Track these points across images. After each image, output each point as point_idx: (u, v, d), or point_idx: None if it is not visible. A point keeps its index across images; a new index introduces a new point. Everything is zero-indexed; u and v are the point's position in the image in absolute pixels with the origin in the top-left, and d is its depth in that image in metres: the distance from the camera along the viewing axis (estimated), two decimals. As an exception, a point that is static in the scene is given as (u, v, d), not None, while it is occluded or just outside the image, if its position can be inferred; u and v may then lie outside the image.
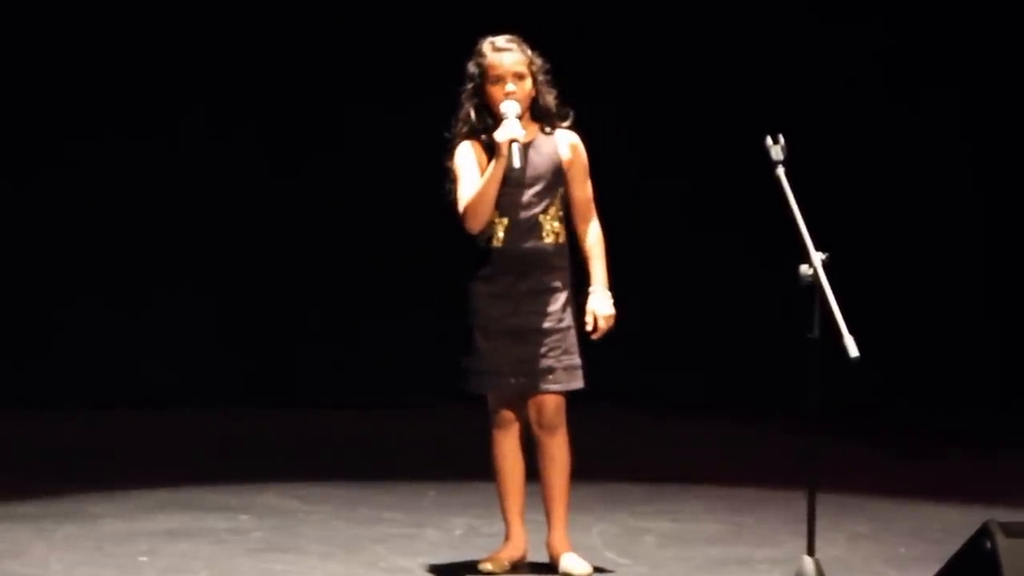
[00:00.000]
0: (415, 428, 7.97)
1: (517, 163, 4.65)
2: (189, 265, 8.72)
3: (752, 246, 8.59)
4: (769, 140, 4.37)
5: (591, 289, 4.82)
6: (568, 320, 4.79)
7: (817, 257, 4.15)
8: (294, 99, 8.78)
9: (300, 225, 8.83)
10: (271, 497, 6.09)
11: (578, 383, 4.79)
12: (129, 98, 8.62)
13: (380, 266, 8.79)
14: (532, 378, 4.74)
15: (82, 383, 8.41)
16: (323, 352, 8.87)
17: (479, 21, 5.04)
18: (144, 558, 5.04)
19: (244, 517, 5.71)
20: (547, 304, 4.76)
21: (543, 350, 4.74)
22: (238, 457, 7.12)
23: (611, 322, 4.78)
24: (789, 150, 4.35)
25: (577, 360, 4.79)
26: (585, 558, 4.86)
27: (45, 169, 8.62)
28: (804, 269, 4.15)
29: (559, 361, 4.76)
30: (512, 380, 4.75)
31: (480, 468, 5.03)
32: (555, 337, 4.76)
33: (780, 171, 4.33)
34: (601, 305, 4.78)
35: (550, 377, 4.75)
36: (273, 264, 8.85)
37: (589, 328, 4.78)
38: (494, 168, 4.68)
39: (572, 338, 4.79)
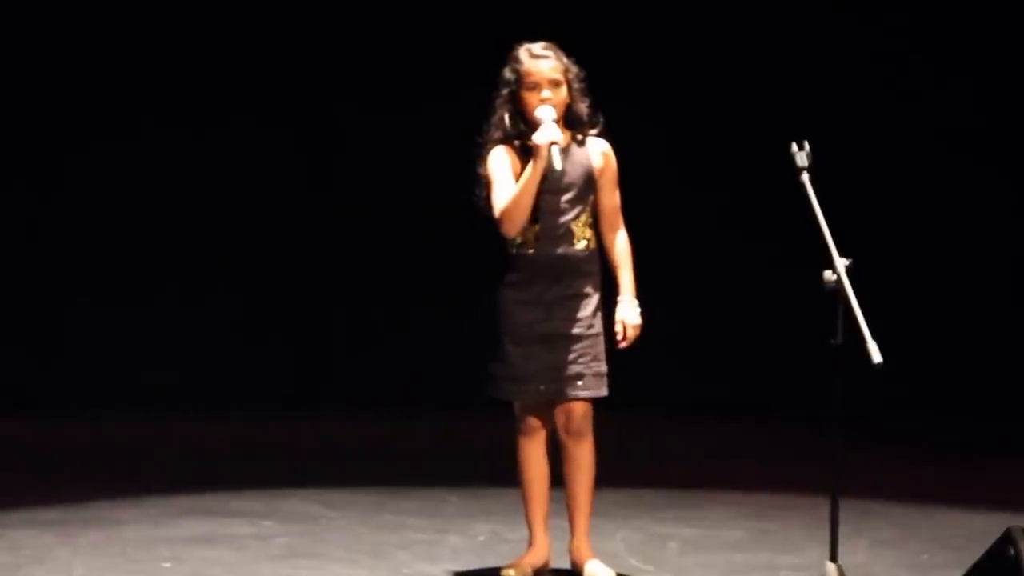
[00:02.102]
0: (437, 434, 7.98)
1: (558, 165, 4.61)
2: (214, 270, 8.75)
3: (776, 251, 8.58)
4: (794, 146, 4.36)
5: (619, 298, 4.80)
6: (598, 327, 4.77)
7: (841, 263, 4.14)
8: (319, 104, 8.81)
9: (326, 231, 8.85)
10: (295, 503, 6.10)
11: (604, 391, 4.78)
12: (151, 101, 8.66)
13: (403, 273, 8.81)
14: (561, 384, 4.73)
15: (106, 388, 8.45)
16: (347, 358, 8.90)
17: (507, 27, 5.04)
18: (168, 564, 5.05)
19: (268, 523, 5.72)
20: (578, 310, 4.75)
21: (573, 356, 4.73)
22: (262, 463, 7.13)
23: (639, 332, 4.78)
24: (814, 156, 4.34)
25: (604, 367, 4.78)
26: (608, 564, 4.86)
27: (69, 172, 8.67)
28: (828, 275, 4.15)
29: (588, 367, 4.74)
30: (542, 387, 4.73)
31: (502, 474, 5.03)
32: (585, 343, 4.74)
33: (805, 177, 4.32)
34: (629, 314, 4.77)
35: (579, 384, 4.73)
36: (298, 270, 8.87)
37: (619, 337, 4.76)
38: (532, 171, 4.65)
39: (601, 344, 4.78)
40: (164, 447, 7.54)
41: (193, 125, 8.69)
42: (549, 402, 4.78)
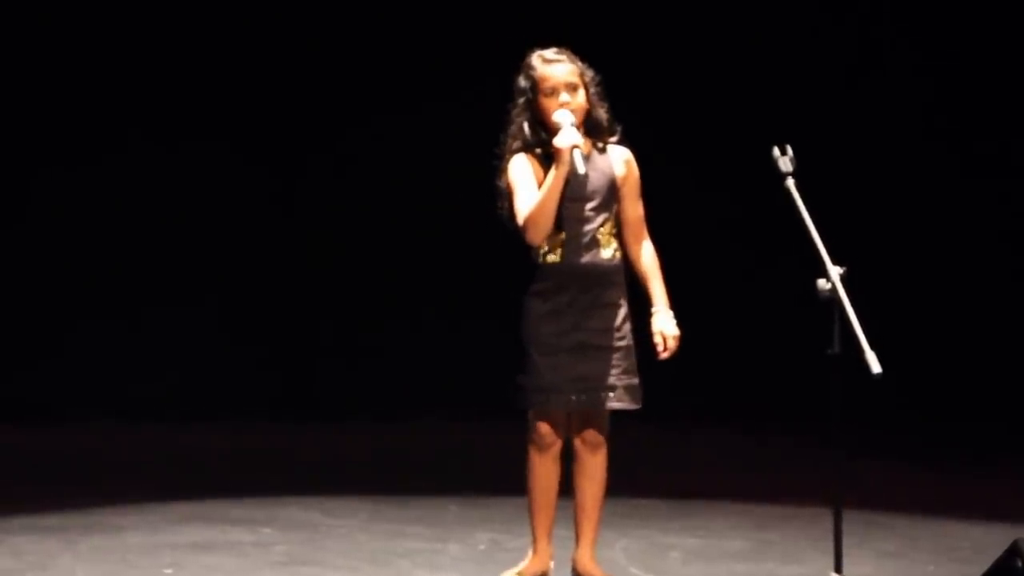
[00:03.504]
0: (437, 442, 7.96)
1: (581, 168, 4.54)
2: (214, 278, 8.73)
3: (774, 258, 8.56)
4: (776, 151, 4.29)
5: (654, 309, 4.73)
6: (629, 338, 4.72)
7: (835, 271, 4.08)
8: (304, 110, 8.80)
9: (328, 237, 8.84)
10: (295, 510, 6.08)
11: (637, 404, 4.71)
12: (133, 112, 8.65)
13: (402, 279, 8.79)
14: (592, 395, 4.66)
15: (107, 396, 8.44)
16: (346, 366, 8.88)
17: (507, 31, 5.02)
18: (168, 570, 5.04)
19: (268, 530, 5.71)
20: (608, 320, 4.69)
21: (604, 367, 4.67)
22: (262, 470, 7.12)
23: (678, 342, 4.72)
24: (806, 160, 4.28)
25: (637, 380, 4.71)
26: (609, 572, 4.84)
27: (64, 184, 8.66)
28: (821, 284, 4.09)
29: (620, 379, 4.68)
30: (573, 397, 4.66)
31: (502, 482, 5.02)
32: (617, 355, 4.68)
33: (790, 183, 4.25)
34: (667, 325, 4.71)
35: (611, 395, 4.68)
36: (297, 278, 8.86)
37: (660, 348, 4.70)
38: (555, 176, 4.58)
39: (633, 356, 4.72)
40: (164, 455, 7.53)
41: (176, 134, 8.68)
42: (567, 414, 4.73)
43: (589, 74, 4.72)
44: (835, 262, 4.09)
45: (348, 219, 8.82)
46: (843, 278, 4.07)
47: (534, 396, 4.68)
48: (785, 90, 8.73)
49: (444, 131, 8.22)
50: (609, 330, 4.69)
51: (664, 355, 4.70)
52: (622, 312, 4.72)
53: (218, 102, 8.71)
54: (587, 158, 4.65)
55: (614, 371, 4.68)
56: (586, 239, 4.69)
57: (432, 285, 8.70)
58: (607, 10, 8.71)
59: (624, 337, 4.71)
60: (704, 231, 8.83)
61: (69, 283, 8.63)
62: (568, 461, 4.78)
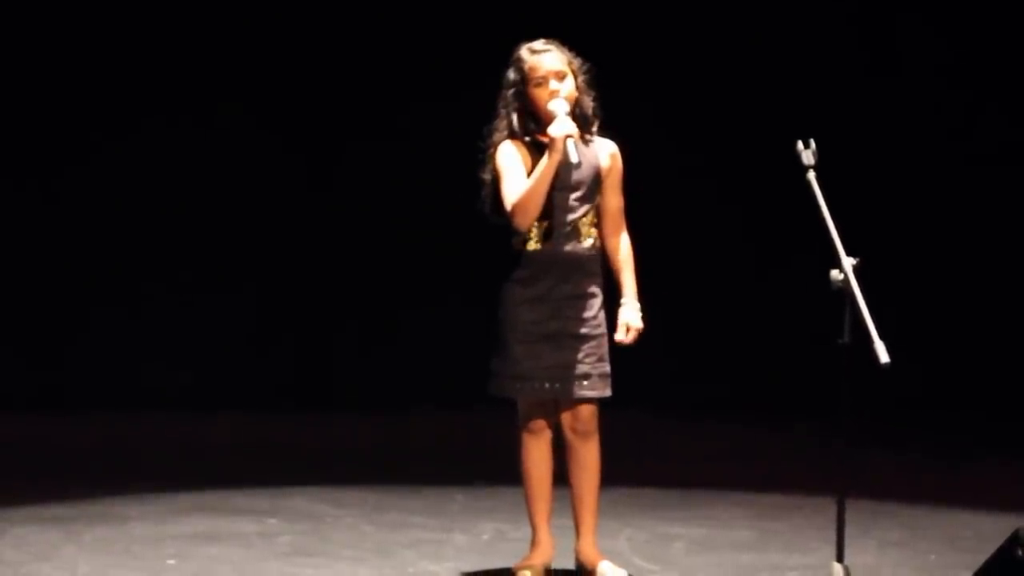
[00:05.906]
0: (442, 432, 7.96)
1: (574, 158, 4.57)
2: (219, 269, 8.73)
3: (782, 251, 8.56)
4: (800, 144, 4.34)
5: (622, 301, 4.78)
6: (603, 327, 4.76)
7: (848, 262, 4.12)
8: (319, 103, 8.78)
9: (331, 228, 8.83)
10: (300, 501, 6.09)
11: (609, 391, 4.77)
12: (153, 102, 8.63)
13: (407, 270, 8.78)
14: (567, 384, 4.71)
15: (111, 386, 8.43)
16: (352, 356, 8.88)
17: (508, 28, 5.02)
18: (172, 561, 5.05)
19: (273, 521, 5.71)
20: (585, 309, 4.73)
21: (580, 356, 4.71)
22: (267, 461, 7.12)
23: (639, 335, 4.76)
24: (822, 154, 4.31)
25: (608, 368, 4.77)
26: (613, 564, 4.84)
27: (74, 171, 8.65)
28: (835, 274, 4.13)
29: (595, 368, 4.72)
30: (547, 385, 4.71)
31: (506, 473, 5.02)
32: (592, 343, 4.73)
33: (811, 175, 4.30)
34: (633, 317, 4.76)
35: (586, 383, 4.71)
36: (303, 270, 8.85)
37: (625, 339, 4.74)
38: (547, 163, 4.60)
39: (606, 345, 4.76)
40: (168, 445, 7.53)
41: (194, 126, 8.67)
42: (554, 401, 4.76)
43: (577, 63, 4.74)
44: (849, 253, 4.11)
45: (352, 213, 8.80)
46: (856, 269, 4.10)
47: (509, 383, 4.73)
48: (800, 85, 8.71)
49: (446, 129, 8.20)
50: (586, 319, 4.73)
51: (625, 342, 4.74)
52: (598, 302, 4.77)
53: (232, 96, 8.70)
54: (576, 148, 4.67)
55: (589, 359, 4.72)
56: (568, 228, 4.72)
57: (441, 274, 8.69)
58: (625, 6, 8.70)
59: (599, 325, 4.75)
60: (716, 222, 8.82)
61: (76, 274, 8.62)
62: (562, 453, 4.78)
